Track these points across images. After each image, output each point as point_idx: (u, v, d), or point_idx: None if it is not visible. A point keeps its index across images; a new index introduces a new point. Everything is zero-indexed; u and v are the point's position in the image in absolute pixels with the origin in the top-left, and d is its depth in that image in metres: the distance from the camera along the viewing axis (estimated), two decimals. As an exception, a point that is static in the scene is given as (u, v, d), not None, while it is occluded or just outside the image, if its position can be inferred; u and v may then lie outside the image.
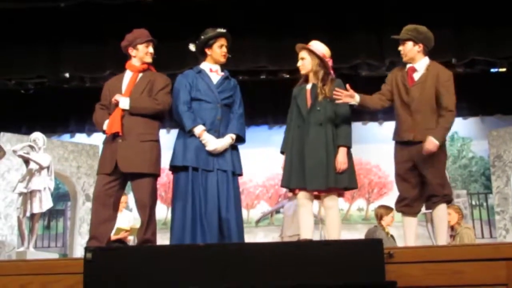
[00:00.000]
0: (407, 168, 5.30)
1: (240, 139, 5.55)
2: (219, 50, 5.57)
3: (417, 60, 5.41)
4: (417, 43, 5.40)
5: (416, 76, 5.38)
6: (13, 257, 9.63)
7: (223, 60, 5.62)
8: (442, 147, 5.28)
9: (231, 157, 5.45)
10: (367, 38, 9.55)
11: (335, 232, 5.24)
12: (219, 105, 5.48)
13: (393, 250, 4.00)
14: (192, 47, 5.66)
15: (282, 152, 5.50)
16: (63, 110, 12.41)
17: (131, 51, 5.47)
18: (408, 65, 5.44)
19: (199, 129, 5.36)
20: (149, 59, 5.46)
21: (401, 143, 5.35)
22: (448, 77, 5.33)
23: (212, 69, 5.60)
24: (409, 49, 5.41)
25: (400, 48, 5.48)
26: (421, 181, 5.29)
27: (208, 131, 5.38)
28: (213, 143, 5.35)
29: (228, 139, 5.42)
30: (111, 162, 5.18)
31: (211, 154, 5.36)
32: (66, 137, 12.80)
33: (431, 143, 5.14)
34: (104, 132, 5.31)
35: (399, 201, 5.39)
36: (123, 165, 5.14)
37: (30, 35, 9.67)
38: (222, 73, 5.64)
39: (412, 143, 5.26)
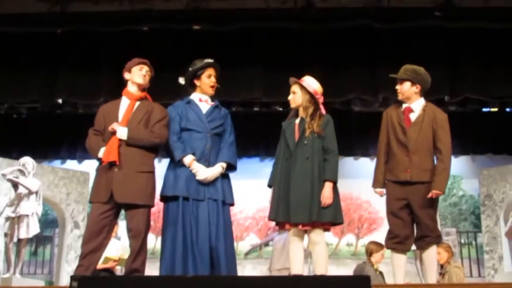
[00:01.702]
0: (400, 206, 5.33)
1: (231, 167, 5.56)
2: (207, 80, 5.63)
3: (413, 100, 5.49)
4: (415, 84, 5.48)
5: (413, 116, 5.45)
6: (-2, 282, 9.53)
7: (211, 90, 5.67)
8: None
9: (221, 186, 5.45)
10: (361, 74, 9.59)
11: (322, 267, 5.24)
12: (209, 134, 5.50)
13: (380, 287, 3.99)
14: (181, 80, 5.70)
15: (269, 186, 5.50)
16: (55, 136, 12.37)
17: (126, 75, 5.50)
18: (404, 105, 5.50)
19: (188, 159, 5.37)
20: (140, 80, 5.45)
21: (396, 182, 5.37)
22: (445, 118, 5.45)
23: (201, 99, 5.65)
24: (407, 89, 5.49)
25: (398, 87, 5.55)
26: (412, 219, 5.33)
27: (198, 160, 5.40)
28: (203, 172, 5.36)
29: (218, 168, 5.44)
30: (107, 191, 5.17)
31: (202, 183, 5.37)
32: (57, 163, 12.74)
33: (437, 194, 5.28)
34: (99, 159, 5.29)
35: (390, 237, 5.40)
36: (119, 195, 5.14)
37: (24, 59, 9.68)
38: (212, 103, 5.67)
39: (408, 183, 5.30)
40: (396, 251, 5.37)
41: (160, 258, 5.38)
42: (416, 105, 5.50)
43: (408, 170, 5.32)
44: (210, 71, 5.65)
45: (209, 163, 5.43)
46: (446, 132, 5.41)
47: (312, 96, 5.46)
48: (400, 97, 5.56)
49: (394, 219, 5.38)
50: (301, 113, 5.48)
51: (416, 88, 5.50)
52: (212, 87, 5.66)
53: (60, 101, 10.46)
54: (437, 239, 5.33)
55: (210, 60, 5.68)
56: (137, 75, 5.45)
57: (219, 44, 9.33)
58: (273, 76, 9.43)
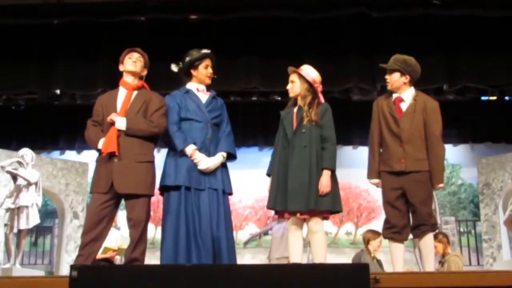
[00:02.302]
0: (396, 196, 5.34)
1: (231, 156, 5.58)
2: (204, 70, 5.65)
3: (402, 90, 5.50)
4: (404, 75, 5.48)
5: (404, 106, 5.45)
6: (-2, 273, 9.57)
7: (208, 81, 5.69)
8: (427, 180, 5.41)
9: (221, 176, 5.48)
10: (359, 62, 9.57)
11: (321, 256, 5.24)
12: (209, 124, 5.52)
13: (379, 276, 3.99)
14: (174, 68, 5.70)
15: (268, 175, 5.51)
16: (54, 127, 12.39)
17: (121, 67, 5.50)
18: (395, 95, 5.50)
19: (190, 149, 5.38)
20: (131, 67, 5.43)
21: (391, 172, 5.38)
22: (436, 107, 5.45)
23: (198, 88, 5.66)
24: (396, 80, 5.49)
25: (387, 77, 5.56)
26: (408, 208, 5.35)
27: (199, 150, 5.40)
28: (205, 162, 5.37)
29: (219, 158, 5.45)
30: (107, 181, 5.16)
31: (202, 173, 5.38)
32: (55, 154, 12.76)
33: (440, 187, 5.39)
34: (98, 150, 5.29)
35: (387, 228, 5.41)
36: (119, 185, 5.13)
37: (22, 51, 9.66)
38: (209, 93, 5.69)
39: (403, 173, 5.31)
40: (394, 241, 5.38)
41: (161, 247, 5.38)
42: (406, 94, 5.48)
43: (402, 160, 5.32)
44: (207, 62, 5.67)
45: (209, 153, 5.44)
46: (437, 120, 5.40)
47: (310, 85, 5.46)
48: (389, 87, 5.56)
49: (390, 209, 5.39)
50: (300, 102, 5.47)
51: (405, 79, 5.48)
52: (209, 77, 5.67)
53: (58, 92, 10.46)
54: (433, 227, 5.35)
55: (207, 51, 5.69)
56: (128, 63, 5.44)
57: (216, 33, 9.31)
58: (271, 66, 9.42)
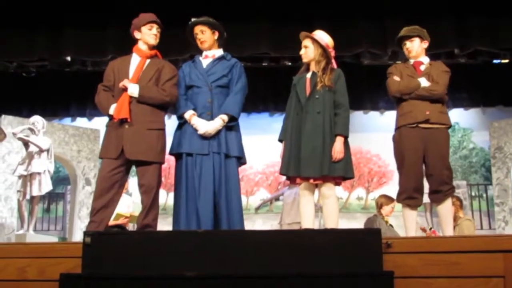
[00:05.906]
0: (416, 159, 5.32)
1: (236, 118, 5.56)
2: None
3: (421, 56, 5.59)
4: (423, 40, 5.60)
5: (422, 68, 5.50)
6: (12, 239, 9.66)
7: (201, 45, 5.68)
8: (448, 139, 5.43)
9: (225, 139, 5.45)
10: (370, 27, 9.51)
11: (333, 221, 5.25)
12: (209, 88, 5.53)
13: (391, 240, 4.00)
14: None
15: (280, 140, 5.49)
16: (65, 93, 12.41)
17: (137, 34, 5.46)
18: (412, 61, 5.55)
19: (188, 114, 5.44)
20: (152, 41, 5.43)
21: (413, 127, 5.33)
22: (447, 69, 5.51)
23: (207, 55, 5.69)
24: (418, 45, 5.58)
25: (408, 45, 5.56)
26: (423, 174, 5.37)
27: (201, 114, 5.44)
28: (203, 127, 5.39)
29: (218, 121, 5.44)
30: (117, 147, 5.17)
31: (206, 137, 5.40)
32: (67, 120, 12.82)
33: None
34: (109, 115, 5.29)
35: (403, 192, 5.37)
36: (130, 152, 5.14)
37: (32, 17, 9.63)
38: (214, 56, 5.69)
39: (426, 129, 5.28)
40: (410, 208, 5.37)
41: (173, 215, 5.47)
42: (424, 59, 5.60)
43: (427, 111, 5.32)
44: (197, 29, 5.68)
45: (212, 116, 5.45)
46: (444, 76, 5.42)
47: (324, 50, 5.42)
48: (412, 54, 5.58)
49: (408, 172, 5.35)
50: (313, 67, 5.43)
51: (424, 44, 5.60)
52: (201, 43, 5.69)
53: (68, 58, 10.45)
54: (453, 190, 5.38)
55: (193, 19, 5.71)
56: (149, 36, 5.42)
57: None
58: (281, 31, 9.37)
